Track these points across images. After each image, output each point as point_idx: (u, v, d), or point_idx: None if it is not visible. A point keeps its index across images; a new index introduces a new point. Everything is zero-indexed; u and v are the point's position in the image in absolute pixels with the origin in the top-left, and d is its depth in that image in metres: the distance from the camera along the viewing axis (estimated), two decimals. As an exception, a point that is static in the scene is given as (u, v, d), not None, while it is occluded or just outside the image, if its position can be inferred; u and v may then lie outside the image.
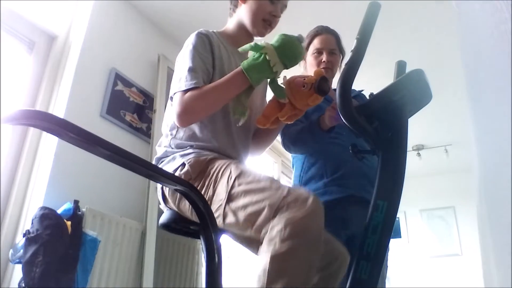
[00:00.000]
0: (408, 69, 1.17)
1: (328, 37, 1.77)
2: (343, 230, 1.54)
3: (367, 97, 1.21)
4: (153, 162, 1.27)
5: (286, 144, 1.67)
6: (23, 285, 1.68)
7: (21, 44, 2.30)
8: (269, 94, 1.30)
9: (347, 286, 1.01)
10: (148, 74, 2.82)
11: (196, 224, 1.12)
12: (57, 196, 2.04)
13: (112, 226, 2.12)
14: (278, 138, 1.69)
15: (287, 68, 1.17)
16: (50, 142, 2.17)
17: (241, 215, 1.01)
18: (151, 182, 2.38)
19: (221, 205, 1.05)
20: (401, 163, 1.06)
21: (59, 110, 2.24)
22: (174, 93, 1.19)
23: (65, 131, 0.71)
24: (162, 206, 1.26)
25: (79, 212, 1.96)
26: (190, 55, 1.22)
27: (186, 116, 1.15)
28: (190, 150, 1.19)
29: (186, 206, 1.14)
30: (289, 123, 1.31)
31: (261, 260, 0.92)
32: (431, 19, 2.85)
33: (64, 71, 2.36)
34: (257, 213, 0.97)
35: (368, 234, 1.01)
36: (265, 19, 1.33)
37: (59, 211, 1.89)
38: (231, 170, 1.08)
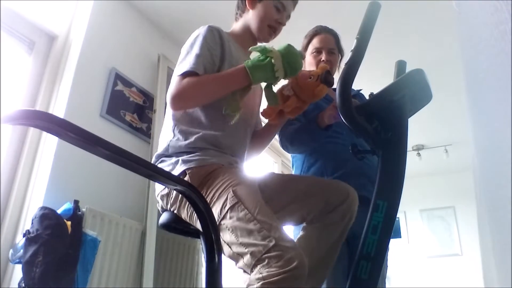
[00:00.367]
0: (408, 69, 1.17)
1: (327, 37, 1.77)
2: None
3: (367, 97, 1.22)
4: (153, 159, 1.26)
5: (284, 144, 1.67)
6: (23, 285, 1.68)
7: (21, 44, 2.30)
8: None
9: (347, 286, 1.01)
10: (148, 74, 2.82)
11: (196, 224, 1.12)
12: (57, 196, 2.04)
13: (112, 226, 2.12)
14: (277, 137, 1.70)
15: (286, 76, 1.20)
16: (50, 142, 2.17)
17: (226, 250, 1.03)
18: (151, 182, 2.38)
19: None
20: (401, 163, 1.06)
21: (59, 110, 2.24)
22: (174, 77, 1.19)
23: (65, 131, 0.71)
24: (160, 208, 1.26)
25: (79, 212, 1.96)
26: (199, 44, 1.23)
27: (179, 99, 1.16)
28: (192, 155, 1.16)
29: (185, 212, 1.14)
30: (291, 117, 1.34)
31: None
32: (431, 19, 2.85)
33: (64, 71, 2.36)
34: (240, 255, 0.98)
35: (368, 234, 1.02)
36: (270, 25, 1.38)
37: (59, 211, 1.89)
38: (228, 197, 1.05)
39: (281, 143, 1.68)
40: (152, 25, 2.96)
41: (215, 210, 1.06)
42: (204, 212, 1.00)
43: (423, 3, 2.69)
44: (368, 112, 1.09)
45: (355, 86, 1.37)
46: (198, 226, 1.09)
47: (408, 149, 1.11)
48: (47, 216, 1.80)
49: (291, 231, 1.60)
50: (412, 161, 4.70)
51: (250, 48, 1.22)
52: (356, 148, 1.22)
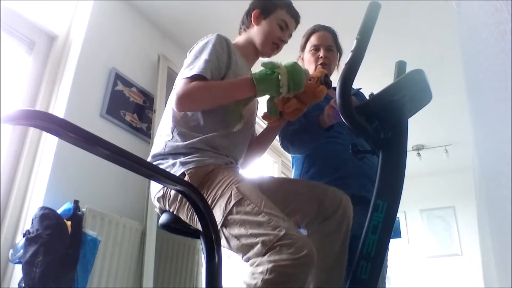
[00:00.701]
0: (408, 69, 1.17)
1: (325, 34, 1.77)
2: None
3: (367, 96, 1.22)
4: (149, 158, 1.26)
5: (285, 144, 1.66)
6: (23, 285, 1.68)
7: (21, 44, 2.30)
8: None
9: (347, 286, 1.01)
10: (148, 74, 2.82)
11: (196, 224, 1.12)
12: (57, 196, 2.04)
13: (112, 226, 2.12)
14: (277, 137, 1.70)
15: (289, 92, 1.23)
16: (50, 142, 2.17)
17: (234, 243, 1.03)
18: (151, 182, 2.38)
19: None
20: (401, 163, 1.06)
21: (59, 110, 2.24)
22: (182, 78, 1.21)
23: (65, 131, 0.71)
24: (158, 209, 1.26)
25: (79, 212, 1.96)
26: (208, 50, 1.26)
27: (185, 100, 1.18)
28: (190, 157, 1.17)
29: (185, 213, 1.14)
30: (291, 119, 1.37)
31: (246, 282, 0.95)
32: (431, 19, 2.85)
33: (64, 71, 2.36)
34: (249, 246, 0.98)
35: (368, 234, 1.01)
36: (274, 42, 1.45)
37: (59, 211, 1.89)
38: (232, 193, 1.07)
39: (282, 143, 1.68)
40: (152, 25, 2.96)
41: (219, 207, 1.06)
42: (204, 212, 1.00)
43: (423, 3, 2.69)
44: (368, 112, 1.08)
45: (355, 85, 1.38)
46: (198, 226, 1.09)
47: (408, 149, 1.11)
48: (47, 216, 1.80)
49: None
50: (412, 161, 4.70)
51: (261, 64, 1.25)
52: (356, 148, 1.22)
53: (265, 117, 1.33)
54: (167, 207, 1.20)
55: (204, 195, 1.11)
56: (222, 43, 1.31)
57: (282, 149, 1.71)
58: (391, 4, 2.50)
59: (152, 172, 0.91)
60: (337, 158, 1.63)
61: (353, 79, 1.04)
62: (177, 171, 1.15)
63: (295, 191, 1.33)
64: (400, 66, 1.28)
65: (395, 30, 2.92)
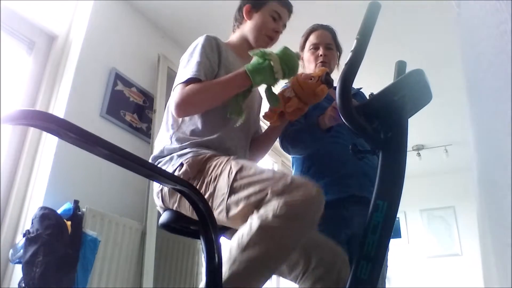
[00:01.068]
0: (408, 69, 1.17)
1: (324, 32, 1.78)
2: (344, 230, 1.54)
3: (367, 96, 1.21)
4: (150, 160, 1.27)
5: (285, 145, 1.66)
6: (23, 285, 1.68)
7: (21, 44, 2.30)
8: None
9: (347, 286, 1.01)
10: (148, 74, 2.82)
11: (196, 224, 1.12)
12: (57, 196, 2.04)
13: (112, 226, 2.12)
14: (278, 138, 1.69)
15: (285, 78, 1.23)
16: (50, 142, 2.17)
17: (245, 203, 1.02)
18: (151, 182, 2.38)
19: (223, 199, 1.06)
20: (401, 163, 1.06)
21: (59, 110, 2.24)
22: (177, 84, 1.22)
23: (65, 131, 0.71)
24: (159, 207, 1.26)
25: (79, 212, 1.96)
26: (198, 52, 1.27)
27: (184, 106, 1.18)
28: (188, 150, 1.19)
29: (186, 206, 1.14)
30: (292, 120, 1.36)
31: (249, 223, 0.95)
32: (431, 19, 2.85)
33: (64, 71, 2.36)
34: (260, 200, 0.99)
35: (368, 234, 1.01)
36: (268, 34, 1.43)
37: (59, 211, 1.89)
38: (231, 165, 1.09)
39: (282, 144, 1.68)
40: (152, 25, 2.96)
41: (223, 179, 1.08)
42: (204, 212, 1.00)
43: (423, 3, 2.69)
44: (368, 112, 1.08)
45: (355, 85, 1.37)
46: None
47: (408, 149, 1.10)
48: (47, 216, 1.80)
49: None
50: (412, 161, 4.70)
51: (249, 52, 1.25)
52: (356, 148, 1.22)
53: (266, 117, 1.33)
54: (167, 203, 1.20)
55: (206, 176, 1.12)
56: (210, 42, 1.31)
57: (282, 150, 1.71)
58: (391, 4, 2.50)
59: (152, 172, 0.91)
60: (337, 158, 1.62)
61: (353, 79, 1.04)
62: (175, 163, 1.17)
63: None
64: (400, 66, 1.27)
65: (395, 30, 2.93)
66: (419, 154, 4.82)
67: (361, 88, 1.83)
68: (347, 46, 1.23)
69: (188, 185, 0.98)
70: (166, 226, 1.22)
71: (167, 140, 1.26)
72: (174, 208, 1.18)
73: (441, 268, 5.16)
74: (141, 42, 2.84)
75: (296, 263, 1.17)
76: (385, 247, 1.03)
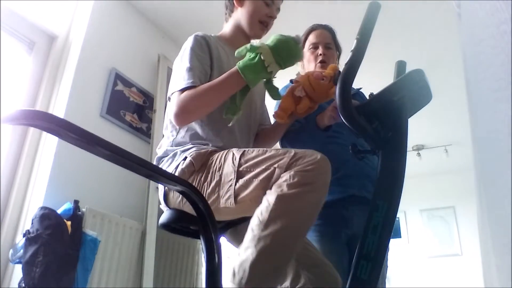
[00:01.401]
0: (408, 69, 1.17)
1: (323, 32, 1.78)
2: (344, 230, 1.54)
3: (367, 96, 1.21)
4: (154, 162, 1.27)
5: (285, 145, 1.66)
6: (23, 285, 1.68)
7: (21, 44, 2.30)
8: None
9: (347, 286, 1.01)
10: (148, 74, 2.82)
11: (196, 224, 1.12)
12: (57, 196, 2.04)
13: (112, 226, 2.12)
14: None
15: (282, 68, 1.17)
16: (50, 142, 2.17)
17: (254, 183, 1.02)
18: (151, 182, 2.39)
19: (231, 184, 1.05)
20: (401, 163, 1.06)
21: (59, 110, 2.24)
22: (172, 93, 1.20)
23: (65, 131, 0.71)
24: (163, 206, 1.26)
25: (79, 212, 1.96)
26: (188, 57, 1.24)
27: (182, 115, 1.17)
28: (190, 145, 1.20)
29: (190, 205, 1.14)
30: (302, 116, 1.37)
31: (266, 199, 0.96)
32: (431, 19, 2.85)
33: (64, 71, 2.36)
34: (268, 177, 1.00)
35: (368, 234, 1.01)
36: (261, 20, 1.37)
37: (59, 211, 1.89)
38: (233, 152, 1.10)
39: (282, 144, 1.68)
40: (152, 25, 2.96)
41: (228, 167, 1.08)
42: (204, 212, 1.00)
43: (423, 3, 2.69)
44: (368, 112, 1.08)
45: (355, 85, 1.37)
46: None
47: (408, 149, 1.10)
48: (47, 216, 1.80)
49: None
50: (412, 161, 4.70)
51: (236, 53, 1.20)
52: (356, 147, 1.22)
53: (277, 117, 1.32)
54: (172, 202, 1.20)
55: (210, 169, 1.12)
56: (200, 44, 1.27)
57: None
58: (391, 4, 2.50)
59: (152, 172, 0.91)
60: (337, 158, 1.62)
61: (353, 79, 1.04)
62: (178, 158, 1.17)
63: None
64: (400, 66, 1.27)
65: (395, 30, 2.93)
66: (419, 154, 4.82)
67: (361, 88, 1.83)
68: (347, 46, 1.23)
69: (188, 185, 0.98)
70: (166, 226, 1.22)
71: (169, 144, 1.26)
72: (177, 206, 1.18)
73: (441, 268, 5.16)
74: (141, 42, 2.84)
75: (285, 276, 1.13)
76: (385, 247, 1.03)
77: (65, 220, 1.85)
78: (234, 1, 1.39)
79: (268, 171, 1.00)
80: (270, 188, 0.98)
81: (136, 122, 2.64)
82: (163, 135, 1.33)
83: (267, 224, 0.92)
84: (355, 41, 1.07)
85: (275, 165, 0.99)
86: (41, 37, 2.39)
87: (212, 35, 1.39)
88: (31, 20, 2.33)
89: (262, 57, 1.13)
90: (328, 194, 1.56)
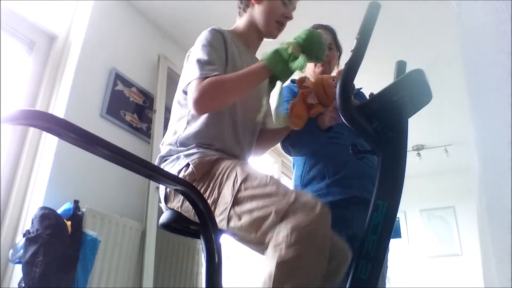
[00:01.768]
0: (408, 69, 1.17)
1: (324, 32, 1.77)
2: (344, 230, 1.54)
3: (367, 96, 1.21)
4: (156, 161, 1.26)
5: (286, 147, 1.66)
6: (23, 285, 1.68)
7: (21, 44, 2.30)
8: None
9: (347, 286, 1.01)
10: (148, 74, 2.82)
11: (196, 224, 1.12)
12: (57, 196, 2.04)
13: (112, 226, 2.12)
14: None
15: (309, 61, 1.17)
16: (50, 142, 2.17)
17: (247, 219, 1.00)
18: (151, 182, 2.39)
19: (226, 208, 1.04)
20: (401, 163, 1.06)
21: (59, 110, 2.24)
22: (190, 82, 1.16)
23: (65, 131, 0.71)
24: (163, 205, 1.26)
25: (79, 212, 1.96)
26: (206, 50, 1.21)
27: (204, 101, 1.13)
28: (195, 150, 1.17)
29: (189, 207, 1.14)
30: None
31: (267, 265, 0.92)
32: (431, 19, 2.85)
33: (64, 71, 2.36)
34: (263, 218, 0.97)
35: (368, 234, 1.01)
36: (278, 20, 1.36)
37: (59, 211, 1.89)
38: (237, 173, 1.07)
39: (283, 146, 1.67)
40: (152, 25, 2.96)
41: (228, 188, 1.06)
42: (204, 212, 1.00)
43: (423, 3, 2.69)
44: (368, 112, 1.08)
45: (355, 85, 1.37)
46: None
47: (408, 149, 1.10)
48: (47, 216, 1.80)
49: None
50: (412, 161, 4.69)
51: (262, 57, 1.19)
52: (356, 148, 1.22)
53: (295, 124, 1.29)
54: (172, 203, 1.20)
55: (211, 181, 1.11)
56: (217, 37, 1.26)
57: (282, 150, 1.71)
58: (391, 4, 2.50)
59: (152, 172, 0.92)
60: (338, 159, 1.62)
61: (353, 79, 1.04)
62: (181, 163, 1.15)
63: None
64: (400, 66, 1.27)
65: (395, 30, 2.93)
66: (419, 154, 4.81)
67: (361, 88, 1.83)
68: (347, 46, 1.23)
69: (189, 186, 0.98)
70: (166, 226, 1.22)
71: (173, 142, 1.24)
72: (177, 208, 1.18)
73: (441, 268, 5.16)
74: (141, 42, 2.84)
75: None
76: (385, 247, 1.03)
77: (65, 220, 1.85)
78: None
79: (264, 212, 0.97)
80: (267, 245, 0.95)
81: (136, 122, 2.64)
82: (168, 130, 1.31)
83: None
84: (355, 41, 1.07)
85: (272, 209, 0.96)
86: (41, 37, 2.39)
87: (226, 29, 1.37)
88: (31, 20, 2.33)
89: (289, 51, 1.13)
90: (329, 195, 1.57)
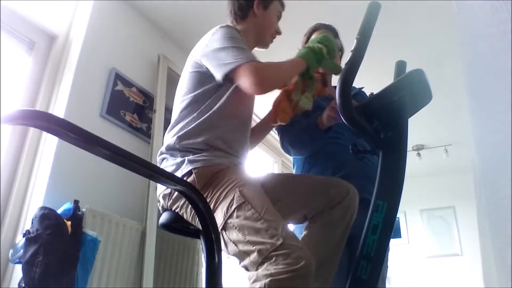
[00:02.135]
0: (408, 69, 1.17)
1: (326, 32, 1.77)
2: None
3: (368, 96, 1.21)
4: (158, 156, 1.26)
5: (285, 147, 1.66)
6: (23, 285, 1.68)
7: (21, 44, 2.30)
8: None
9: (347, 286, 1.01)
10: (148, 74, 2.82)
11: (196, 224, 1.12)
12: (57, 196, 2.04)
13: (112, 226, 2.12)
14: (277, 138, 1.69)
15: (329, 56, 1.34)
16: (50, 142, 2.17)
17: (231, 248, 1.04)
18: (151, 182, 2.38)
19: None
20: (401, 163, 1.06)
21: (59, 110, 2.24)
22: (238, 65, 1.14)
23: (65, 131, 0.71)
24: (161, 207, 1.26)
25: (79, 212, 1.96)
26: (235, 41, 1.21)
27: (263, 81, 1.14)
28: (198, 155, 1.15)
29: (188, 212, 1.14)
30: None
31: None
32: (431, 19, 2.85)
33: (64, 71, 2.36)
34: (246, 253, 0.99)
35: (368, 234, 1.02)
36: (272, 34, 1.46)
37: (59, 211, 1.89)
38: (235, 196, 1.07)
39: (283, 146, 1.67)
40: (152, 25, 2.96)
41: (221, 210, 1.07)
42: (204, 212, 1.00)
43: (423, 3, 2.69)
44: (368, 112, 1.09)
45: (356, 85, 1.37)
46: (199, 225, 1.09)
47: (408, 149, 1.11)
48: (47, 216, 1.79)
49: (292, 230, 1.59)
50: (412, 161, 4.69)
51: (297, 53, 1.32)
52: (356, 147, 1.22)
53: (282, 119, 1.38)
54: (170, 206, 1.20)
55: (209, 194, 1.11)
56: (238, 32, 1.28)
57: (282, 150, 1.71)
58: (391, 4, 2.50)
59: (152, 172, 0.91)
60: (338, 159, 1.62)
61: (353, 79, 1.04)
62: (184, 169, 1.14)
63: (303, 186, 1.33)
64: (400, 66, 1.28)
65: (395, 30, 2.92)
66: (419, 154, 4.81)
67: (362, 88, 1.83)
68: (347, 46, 1.23)
69: (189, 186, 0.98)
70: (166, 226, 1.23)
71: (177, 144, 1.22)
72: (176, 209, 1.18)
73: (441, 268, 5.16)
74: (141, 42, 2.84)
75: (317, 203, 1.28)
76: (385, 247, 1.03)
77: (65, 220, 1.85)
78: (254, 8, 1.40)
79: (248, 248, 0.98)
80: (247, 268, 0.99)
81: (136, 122, 2.64)
82: (170, 130, 1.27)
83: None
84: (355, 41, 1.07)
85: (257, 247, 0.96)
86: (41, 37, 2.38)
87: None
88: (31, 20, 2.33)
89: (323, 51, 1.29)
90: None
